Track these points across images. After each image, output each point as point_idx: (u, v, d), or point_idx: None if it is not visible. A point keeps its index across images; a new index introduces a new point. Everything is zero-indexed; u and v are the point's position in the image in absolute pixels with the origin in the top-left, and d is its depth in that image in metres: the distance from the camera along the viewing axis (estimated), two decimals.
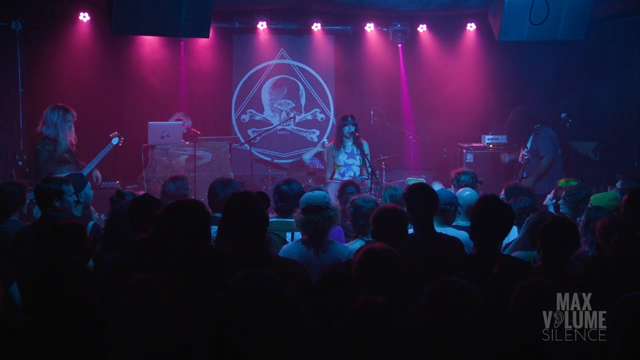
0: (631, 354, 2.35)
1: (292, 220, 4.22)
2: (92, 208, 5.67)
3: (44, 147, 6.57)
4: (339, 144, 7.31)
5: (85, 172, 6.54)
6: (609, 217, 3.80)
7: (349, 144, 7.28)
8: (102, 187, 7.13)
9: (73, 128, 6.77)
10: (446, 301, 2.41)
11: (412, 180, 7.30)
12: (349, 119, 7.27)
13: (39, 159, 6.56)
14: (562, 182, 5.87)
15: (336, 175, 7.27)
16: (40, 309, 2.63)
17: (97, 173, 6.87)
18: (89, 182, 5.39)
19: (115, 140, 7.03)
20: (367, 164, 6.94)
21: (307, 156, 8.80)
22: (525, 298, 2.62)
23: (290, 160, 9.74)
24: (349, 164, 7.29)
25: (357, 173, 7.23)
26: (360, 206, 4.38)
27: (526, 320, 2.58)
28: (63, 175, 6.44)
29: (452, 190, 5.90)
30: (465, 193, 5.20)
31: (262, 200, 3.37)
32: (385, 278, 2.94)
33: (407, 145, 8.76)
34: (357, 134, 7.20)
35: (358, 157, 7.23)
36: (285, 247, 4.10)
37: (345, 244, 4.33)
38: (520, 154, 8.06)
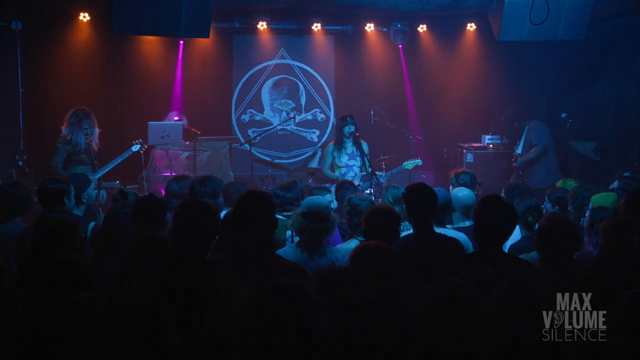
0: (632, 353, 2.36)
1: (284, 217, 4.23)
2: (100, 210, 5.68)
3: (63, 146, 6.60)
4: (339, 144, 7.29)
5: (97, 175, 6.54)
6: (611, 218, 3.80)
7: (349, 144, 7.26)
8: (103, 187, 7.09)
9: (94, 134, 6.69)
10: (444, 301, 2.41)
11: (408, 164, 7.26)
12: (348, 118, 7.26)
13: (53, 157, 6.59)
14: (560, 182, 5.87)
15: (337, 176, 7.25)
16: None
17: (104, 193, 6.69)
18: (92, 183, 5.38)
19: (135, 147, 6.98)
20: (367, 164, 6.92)
21: (314, 164, 8.88)
22: (502, 298, 2.60)
23: (290, 160, 9.74)
24: (350, 165, 7.28)
25: (358, 174, 7.21)
26: (356, 204, 4.37)
27: (504, 320, 2.55)
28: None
29: (451, 189, 5.90)
30: (460, 194, 4.96)
31: (273, 201, 3.36)
32: (381, 274, 2.93)
33: (407, 145, 8.75)
34: (357, 134, 7.19)
35: (359, 157, 7.22)
36: (280, 250, 4.05)
37: (341, 244, 4.32)
38: (514, 155, 8.12)
